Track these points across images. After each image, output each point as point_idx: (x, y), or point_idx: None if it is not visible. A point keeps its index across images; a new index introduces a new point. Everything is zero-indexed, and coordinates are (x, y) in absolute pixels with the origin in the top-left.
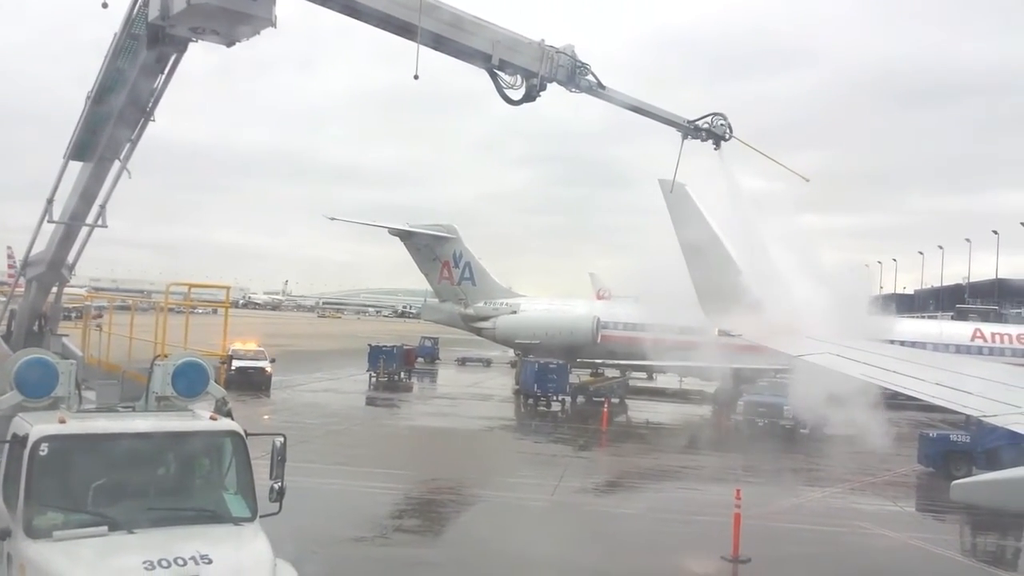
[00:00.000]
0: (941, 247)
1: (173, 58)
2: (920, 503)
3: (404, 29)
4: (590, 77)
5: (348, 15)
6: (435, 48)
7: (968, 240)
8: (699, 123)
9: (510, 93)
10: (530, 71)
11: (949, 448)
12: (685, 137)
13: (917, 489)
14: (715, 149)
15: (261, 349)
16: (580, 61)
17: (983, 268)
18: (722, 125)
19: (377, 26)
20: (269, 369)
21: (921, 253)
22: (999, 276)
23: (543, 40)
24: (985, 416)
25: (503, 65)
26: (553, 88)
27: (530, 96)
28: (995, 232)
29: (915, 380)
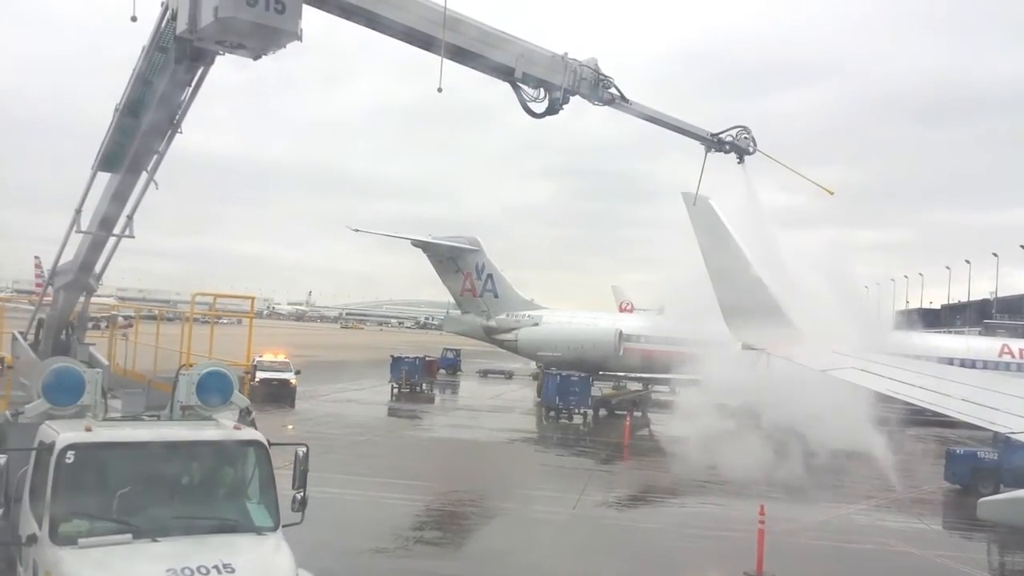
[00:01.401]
0: (968, 262)
1: (200, 71)
2: (947, 521)
3: (428, 43)
4: (613, 90)
5: (373, 28)
6: (459, 62)
7: (995, 255)
8: (723, 136)
9: (533, 106)
10: (553, 84)
11: (976, 465)
12: (709, 150)
13: (944, 506)
14: (739, 163)
15: (286, 360)
16: (603, 74)
17: (1011, 283)
18: (746, 139)
19: (401, 40)
20: (294, 381)
21: (948, 268)
22: None
23: (566, 53)
24: (1013, 433)
25: (526, 78)
26: (576, 101)
27: (553, 109)
28: (1023, 247)
29: (942, 396)
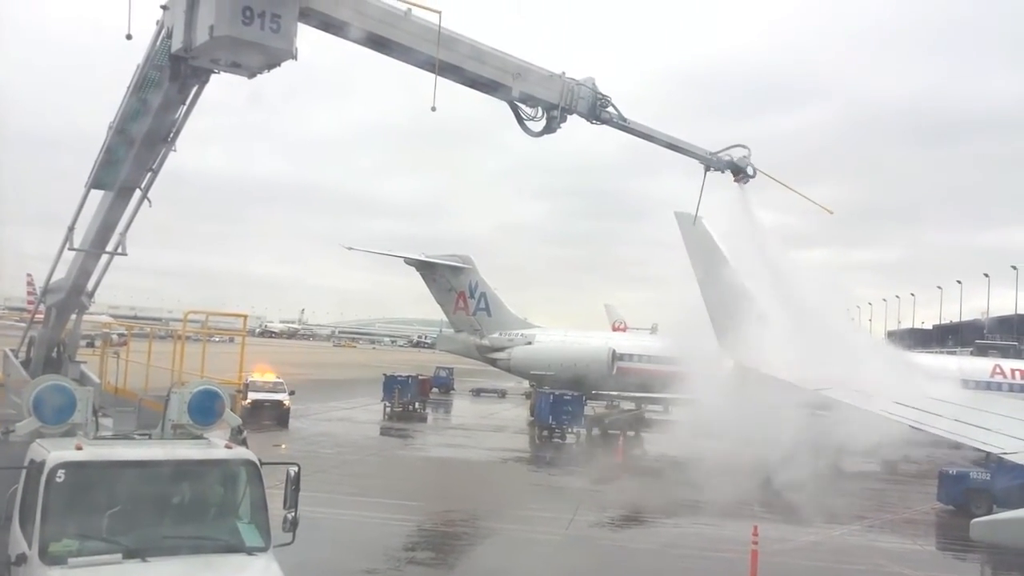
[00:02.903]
0: (960, 282)
1: (195, 89)
2: (940, 541)
3: (423, 61)
4: (611, 109)
5: (368, 47)
6: (456, 80)
7: (987, 275)
8: (721, 155)
9: (531, 125)
10: (550, 103)
11: (969, 486)
12: (708, 169)
13: (937, 527)
14: (737, 181)
15: (280, 380)
16: (601, 93)
17: (1002, 303)
18: (744, 158)
19: (396, 58)
20: (287, 402)
21: (940, 288)
22: (1019, 311)
23: (564, 73)
24: (1005, 453)
25: (523, 97)
26: (574, 120)
27: (550, 128)
28: (1014, 267)
29: (934, 416)
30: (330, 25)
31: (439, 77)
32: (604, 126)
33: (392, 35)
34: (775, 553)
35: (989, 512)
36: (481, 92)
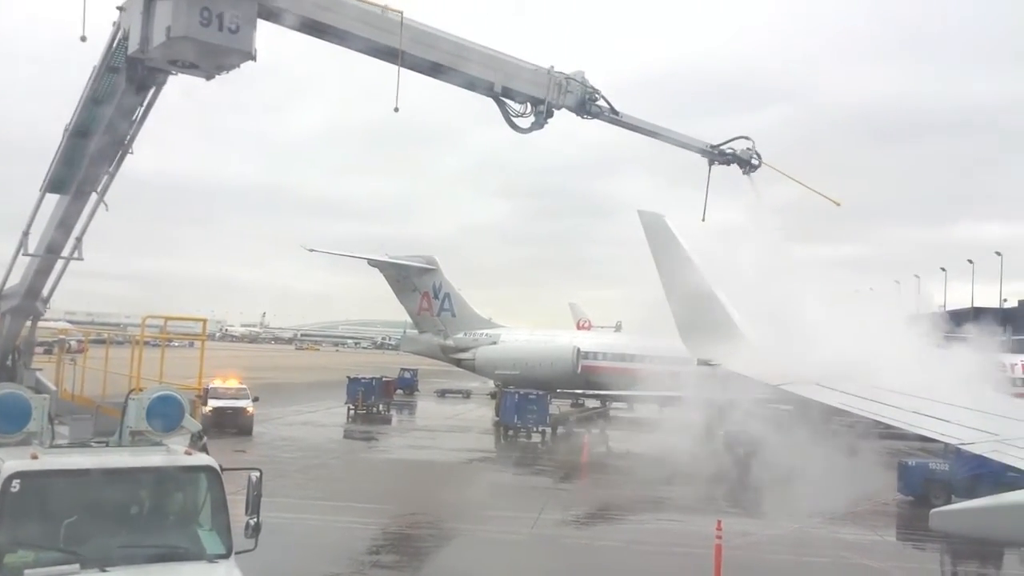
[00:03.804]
0: (918, 276)
1: (152, 91)
2: (901, 532)
3: (390, 54)
4: (601, 103)
5: (335, 43)
6: (436, 77)
7: (944, 269)
8: (724, 148)
9: (519, 121)
10: (537, 98)
11: (928, 477)
12: (712, 163)
13: (897, 518)
14: (744, 173)
15: (243, 387)
16: (591, 87)
17: (959, 297)
18: (748, 149)
19: (366, 54)
20: (251, 409)
21: (898, 282)
22: (975, 305)
23: (552, 67)
24: (963, 444)
25: (509, 93)
26: (555, 120)
27: (538, 123)
28: (970, 262)
29: (894, 409)
30: (292, 21)
31: (424, 76)
32: (596, 120)
33: (360, 31)
34: (739, 547)
35: (948, 502)
36: (465, 88)
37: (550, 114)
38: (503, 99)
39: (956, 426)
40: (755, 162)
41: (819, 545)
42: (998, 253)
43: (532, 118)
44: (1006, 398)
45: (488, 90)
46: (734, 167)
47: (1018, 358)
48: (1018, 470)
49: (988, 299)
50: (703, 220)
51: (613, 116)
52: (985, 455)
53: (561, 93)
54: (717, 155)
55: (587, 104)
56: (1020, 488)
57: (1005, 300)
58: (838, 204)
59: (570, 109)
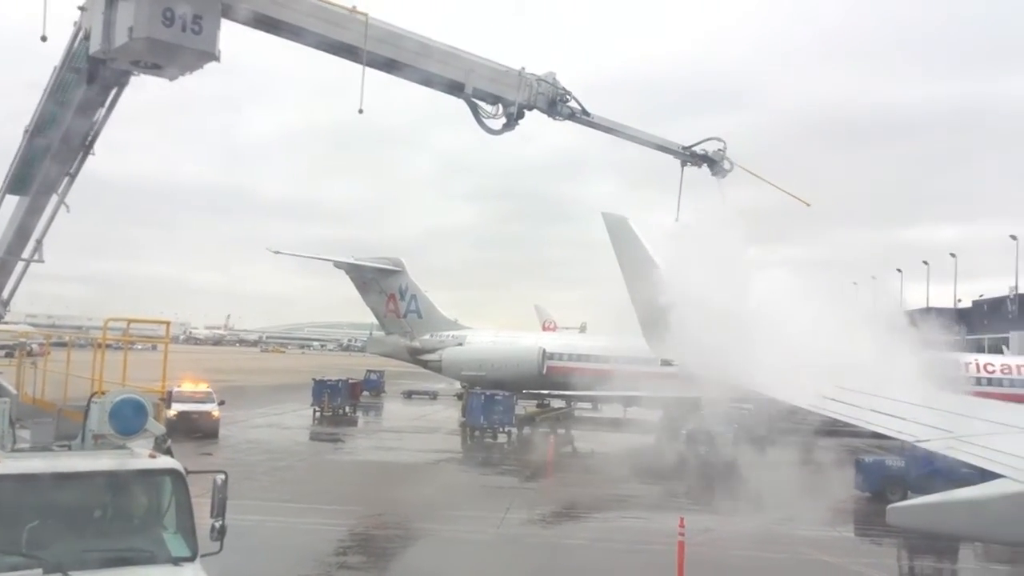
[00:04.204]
0: (874, 277)
1: (114, 92)
2: (858, 528)
3: (352, 52)
4: (572, 104)
5: (302, 43)
6: (405, 77)
7: (900, 271)
8: (696, 149)
9: (490, 123)
10: (507, 100)
11: (884, 473)
12: (684, 164)
13: (855, 514)
14: (714, 175)
15: (209, 390)
16: (562, 88)
17: (915, 298)
18: (719, 151)
19: (332, 53)
20: (217, 413)
21: (855, 283)
22: (930, 305)
23: (523, 68)
24: (918, 441)
25: (479, 94)
26: (532, 118)
27: (509, 125)
28: (925, 263)
29: (850, 407)
30: (259, 21)
31: (394, 76)
32: (568, 122)
33: (326, 31)
34: (701, 544)
35: (904, 498)
36: (435, 90)
37: (521, 115)
38: (474, 100)
39: (912, 424)
40: (727, 165)
41: (778, 541)
42: (952, 255)
43: (503, 120)
44: (960, 396)
45: (458, 91)
46: (705, 170)
47: (972, 357)
48: (971, 466)
49: (943, 299)
50: (676, 220)
51: (584, 117)
52: (940, 452)
53: (532, 94)
54: (689, 156)
55: (558, 105)
56: (974, 484)
57: (959, 300)
58: (808, 205)
59: (541, 110)
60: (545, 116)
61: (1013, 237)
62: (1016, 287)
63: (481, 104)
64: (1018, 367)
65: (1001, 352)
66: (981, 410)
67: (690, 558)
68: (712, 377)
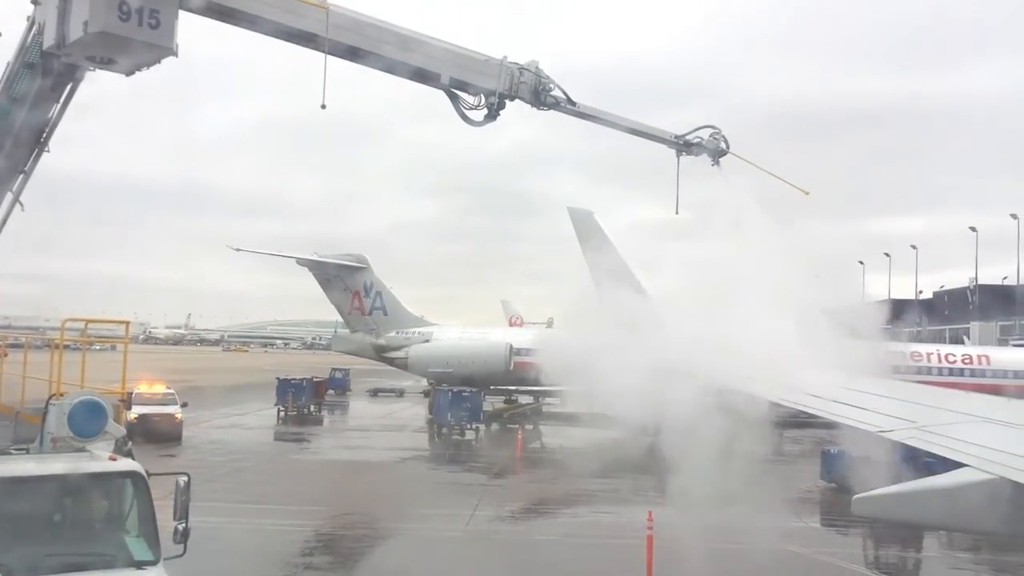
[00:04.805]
0: (836, 270)
1: (69, 87)
2: (825, 518)
3: (312, 41)
4: (556, 92)
5: (264, 34)
6: (376, 68)
7: (861, 263)
8: (690, 137)
9: (471, 114)
10: (488, 89)
11: (850, 464)
12: (679, 154)
13: (821, 504)
14: (713, 164)
15: (171, 392)
16: (545, 76)
17: (875, 290)
18: (716, 139)
19: (293, 43)
20: (179, 415)
21: (817, 276)
22: (891, 297)
23: (505, 57)
24: (882, 431)
25: (457, 84)
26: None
27: (491, 116)
28: (887, 255)
29: (814, 398)
30: (217, 11)
31: (361, 66)
32: (553, 111)
33: (286, 20)
34: (670, 538)
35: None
36: (413, 80)
37: (503, 106)
38: (455, 91)
39: (875, 414)
40: (723, 150)
41: (745, 532)
42: (913, 247)
43: (485, 111)
44: (923, 387)
45: (435, 81)
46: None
47: (934, 347)
48: (935, 456)
49: (905, 291)
50: (676, 213)
51: (570, 107)
52: (904, 442)
53: (514, 83)
54: (683, 145)
55: (542, 95)
56: (937, 473)
57: (921, 292)
58: (807, 193)
59: (524, 100)
60: (529, 107)
61: (973, 229)
62: (976, 279)
63: (462, 95)
64: (979, 357)
65: (962, 343)
66: (945, 400)
67: (658, 551)
68: (677, 370)
